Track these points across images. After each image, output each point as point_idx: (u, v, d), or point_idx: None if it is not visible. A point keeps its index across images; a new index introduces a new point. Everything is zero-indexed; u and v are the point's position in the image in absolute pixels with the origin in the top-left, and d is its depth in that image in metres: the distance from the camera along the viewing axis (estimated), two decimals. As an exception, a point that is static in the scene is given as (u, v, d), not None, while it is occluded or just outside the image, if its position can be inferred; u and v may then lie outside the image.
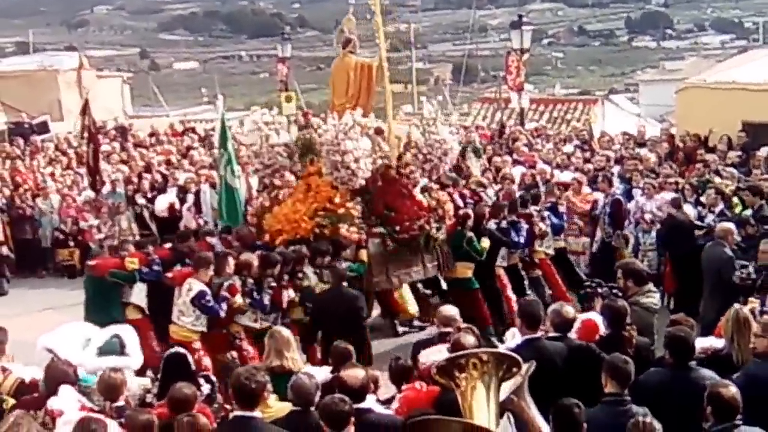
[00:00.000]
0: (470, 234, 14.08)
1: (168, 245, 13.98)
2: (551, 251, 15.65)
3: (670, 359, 7.72)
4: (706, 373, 7.49)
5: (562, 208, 16.24)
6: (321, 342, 11.88)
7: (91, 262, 13.62)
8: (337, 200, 13.56)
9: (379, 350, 12.71)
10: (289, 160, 14.40)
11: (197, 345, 11.53)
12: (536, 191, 16.46)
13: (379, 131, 14.12)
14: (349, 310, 11.76)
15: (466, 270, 14.27)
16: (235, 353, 11.41)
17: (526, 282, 15.13)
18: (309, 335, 12.21)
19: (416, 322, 14.93)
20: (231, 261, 12.04)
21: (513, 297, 14.44)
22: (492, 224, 14.57)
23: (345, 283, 12.12)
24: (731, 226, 12.91)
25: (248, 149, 14.89)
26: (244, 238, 13.70)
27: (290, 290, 12.43)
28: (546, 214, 15.57)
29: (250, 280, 12.05)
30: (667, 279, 15.31)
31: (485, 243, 14.12)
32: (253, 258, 12.23)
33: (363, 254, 13.51)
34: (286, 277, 12.45)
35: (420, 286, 15.07)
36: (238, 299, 11.82)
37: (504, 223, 14.63)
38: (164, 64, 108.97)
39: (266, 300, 12.06)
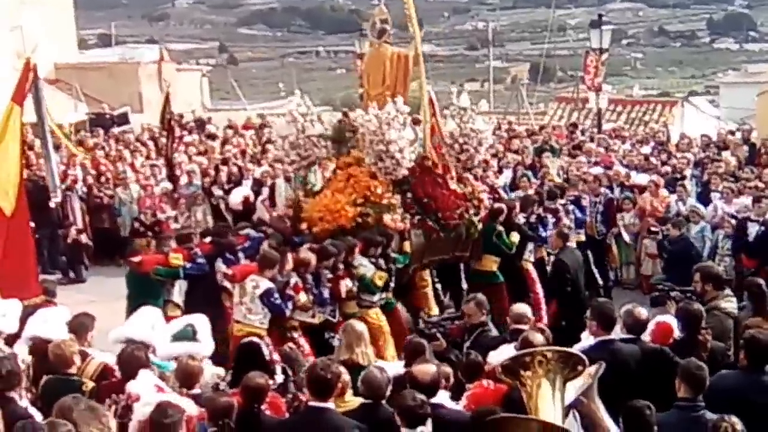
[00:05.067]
0: (501, 228, 14.13)
1: (208, 239, 13.75)
2: (573, 245, 15.28)
3: (745, 362, 7.60)
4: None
5: (585, 202, 16.39)
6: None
7: (135, 259, 13.22)
8: (379, 191, 13.46)
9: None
10: (325, 150, 14.30)
11: (267, 339, 11.24)
12: (563, 185, 16.90)
13: (416, 121, 14.05)
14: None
15: (491, 263, 14.28)
16: (292, 344, 11.09)
17: None
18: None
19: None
20: (290, 257, 11.96)
21: (541, 293, 14.49)
22: (521, 218, 14.73)
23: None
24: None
25: (284, 141, 14.58)
26: (280, 231, 13.63)
27: (347, 280, 12.37)
28: (570, 207, 15.78)
29: (309, 276, 12.01)
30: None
31: (515, 237, 14.20)
32: (311, 256, 12.10)
33: (407, 245, 13.50)
34: (341, 266, 12.39)
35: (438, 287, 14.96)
36: (302, 297, 11.78)
37: (533, 218, 14.87)
38: (243, 58, 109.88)
39: (326, 293, 12.09)
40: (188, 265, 12.75)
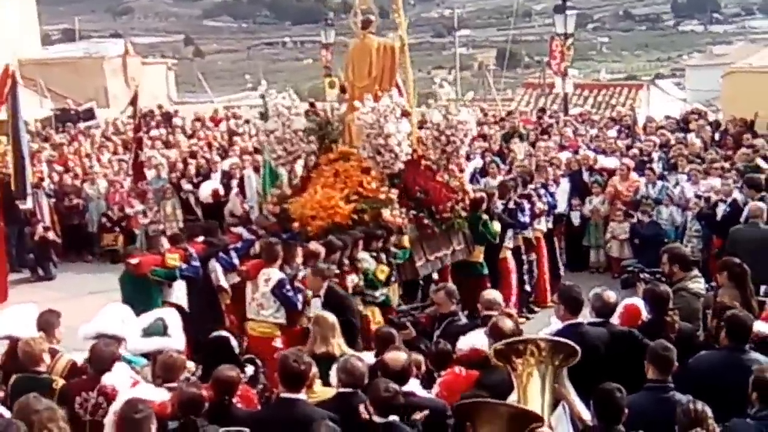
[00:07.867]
0: (485, 217, 14.05)
1: (200, 239, 13.43)
2: (544, 228, 15.90)
3: (726, 341, 7.60)
4: (761, 357, 7.37)
5: (552, 188, 16.57)
6: None
7: (132, 261, 12.68)
8: (373, 185, 13.37)
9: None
10: (310, 145, 14.21)
11: (279, 344, 11.16)
12: (531, 170, 16.96)
13: (405, 114, 13.91)
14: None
15: (479, 254, 14.23)
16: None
17: (525, 266, 15.24)
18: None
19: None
20: (300, 250, 11.83)
21: (514, 283, 14.70)
22: (499, 205, 14.71)
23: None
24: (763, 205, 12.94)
25: (270, 136, 14.33)
26: (266, 227, 13.51)
27: (353, 275, 12.09)
28: (542, 192, 15.87)
29: None
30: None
31: (497, 226, 14.12)
32: (320, 248, 11.83)
33: (405, 240, 13.33)
34: (346, 262, 12.14)
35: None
36: (310, 292, 11.44)
37: (511, 204, 14.86)
38: (208, 50, 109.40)
39: None
40: (184, 266, 12.48)
